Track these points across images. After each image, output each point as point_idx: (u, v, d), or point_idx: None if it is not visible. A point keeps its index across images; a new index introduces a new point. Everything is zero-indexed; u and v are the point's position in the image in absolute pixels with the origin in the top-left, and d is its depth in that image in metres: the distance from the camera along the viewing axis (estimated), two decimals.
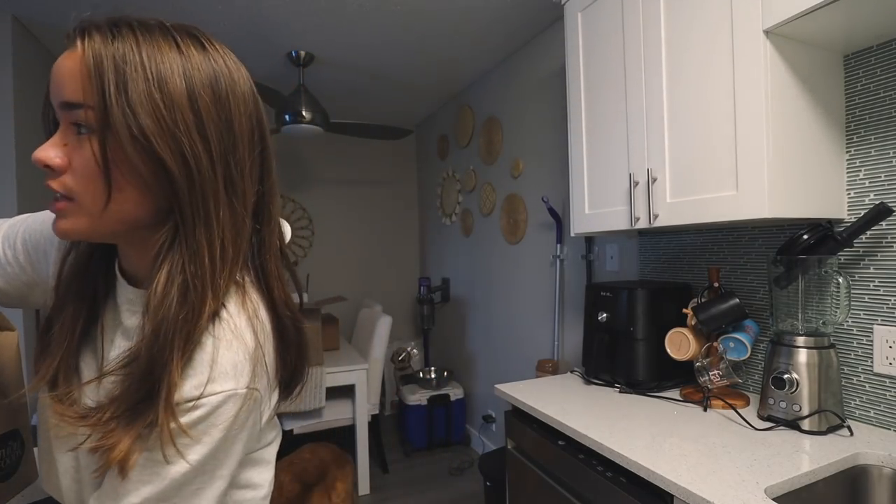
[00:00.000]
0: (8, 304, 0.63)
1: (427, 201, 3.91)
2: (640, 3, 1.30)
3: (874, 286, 1.11)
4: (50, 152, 0.44)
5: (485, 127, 2.85)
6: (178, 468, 0.45)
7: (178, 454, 0.44)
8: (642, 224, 1.32)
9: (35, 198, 2.18)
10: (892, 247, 1.08)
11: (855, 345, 1.15)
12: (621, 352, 1.45)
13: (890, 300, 1.08)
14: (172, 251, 0.47)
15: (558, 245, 2.22)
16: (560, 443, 1.23)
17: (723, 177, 1.10)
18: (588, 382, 1.52)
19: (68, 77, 0.43)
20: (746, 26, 1.03)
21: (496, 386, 1.53)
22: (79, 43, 0.44)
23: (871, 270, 1.11)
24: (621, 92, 1.39)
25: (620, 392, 1.41)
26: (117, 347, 0.52)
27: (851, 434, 1.05)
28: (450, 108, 3.37)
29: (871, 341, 1.11)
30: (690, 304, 1.37)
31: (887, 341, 1.08)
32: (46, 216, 0.62)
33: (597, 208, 1.51)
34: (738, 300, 1.23)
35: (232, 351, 0.47)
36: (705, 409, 1.24)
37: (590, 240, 2.04)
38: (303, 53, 2.44)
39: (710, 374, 1.26)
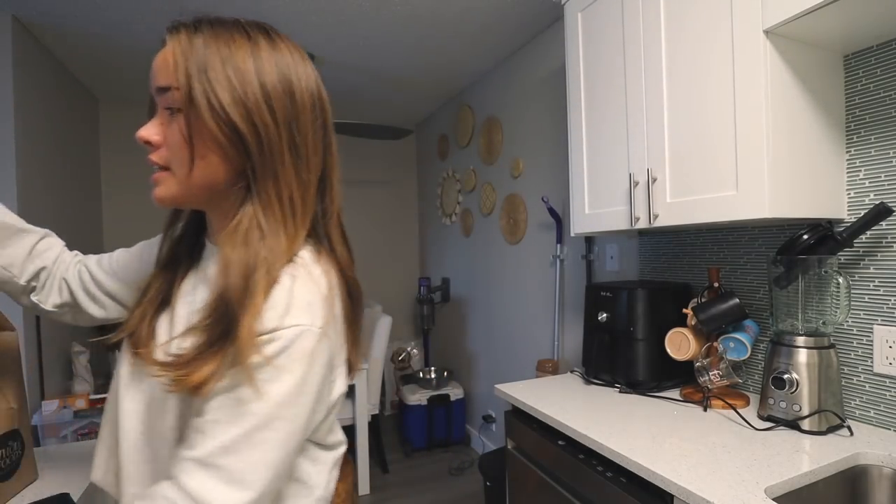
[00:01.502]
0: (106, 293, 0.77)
1: (427, 201, 3.91)
2: (640, 3, 1.30)
3: (874, 286, 1.11)
4: (149, 130, 0.54)
5: (485, 127, 2.85)
6: (261, 405, 0.48)
7: (259, 390, 0.48)
8: (642, 224, 1.32)
9: (35, 197, 2.18)
10: (892, 247, 1.08)
11: (855, 345, 1.15)
12: (621, 352, 1.45)
13: (890, 300, 1.08)
14: (245, 204, 0.55)
15: (558, 245, 2.22)
16: (560, 443, 1.23)
17: (723, 177, 1.10)
18: (588, 382, 1.52)
19: (161, 66, 0.53)
20: (746, 26, 1.03)
21: (496, 386, 1.53)
22: (168, 37, 0.53)
23: (871, 270, 1.11)
24: (621, 92, 1.39)
25: (620, 392, 1.41)
26: (199, 301, 0.58)
27: (851, 434, 1.05)
28: (450, 108, 3.37)
29: (871, 341, 1.11)
30: (690, 304, 1.37)
31: (887, 341, 1.08)
32: (123, 252, 0.78)
33: (597, 208, 1.51)
34: (738, 300, 1.23)
35: (307, 290, 0.53)
36: (705, 409, 1.24)
37: (590, 240, 2.04)
38: None
39: (710, 374, 1.26)
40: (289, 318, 0.50)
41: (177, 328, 0.58)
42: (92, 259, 0.78)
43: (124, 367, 0.60)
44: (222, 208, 0.58)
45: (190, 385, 0.48)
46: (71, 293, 0.76)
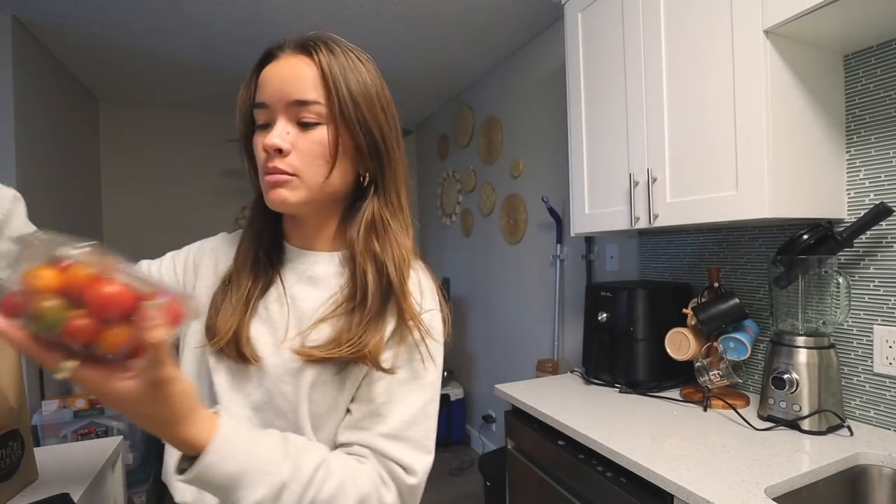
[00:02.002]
0: None
1: (427, 201, 3.91)
2: (640, 3, 1.30)
3: (874, 286, 1.11)
4: (279, 140, 0.56)
5: (485, 127, 2.85)
6: (427, 379, 0.60)
7: (424, 367, 0.59)
8: (642, 224, 1.32)
9: (35, 197, 2.18)
10: (892, 247, 1.08)
11: (855, 345, 1.15)
12: (621, 352, 1.45)
13: (890, 300, 1.08)
14: (369, 204, 0.62)
15: (558, 245, 2.22)
16: (560, 443, 1.23)
17: (723, 177, 1.10)
18: (588, 382, 1.52)
19: (299, 80, 0.56)
20: (746, 26, 1.03)
21: (496, 386, 1.53)
22: (304, 55, 0.58)
23: (871, 270, 1.11)
24: (621, 92, 1.39)
25: (620, 392, 1.41)
26: (309, 298, 0.62)
27: (851, 434, 1.05)
28: (450, 108, 3.37)
29: (871, 341, 1.11)
30: (690, 304, 1.37)
31: (887, 341, 1.08)
32: (206, 240, 0.74)
33: (597, 208, 1.51)
34: (738, 300, 1.23)
35: (428, 279, 0.65)
36: (705, 409, 1.24)
37: (590, 240, 2.04)
38: None
39: (710, 374, 1.26)
40: (426, 303, 0.61)
41: (294, 326, 0.60)
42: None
43: (220, 375, 0.60)
44: (327, 215, 0.64)
45: (367, 356, 0.55)
46: None
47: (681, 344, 1.34)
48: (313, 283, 0.63)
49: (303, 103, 0.56)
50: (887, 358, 1.08)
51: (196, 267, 0.68)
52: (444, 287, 3.48)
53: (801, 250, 1.10)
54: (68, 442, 1.91)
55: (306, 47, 0.58)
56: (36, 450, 1.02)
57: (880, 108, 1.09)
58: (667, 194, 1.25)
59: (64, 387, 2.38)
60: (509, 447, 1.46)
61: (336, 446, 0.59)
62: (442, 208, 3.55)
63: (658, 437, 1.08)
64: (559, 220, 2.20)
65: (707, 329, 1.28)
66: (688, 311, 1.34)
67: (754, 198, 1.03)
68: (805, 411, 1.07)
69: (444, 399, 3.06)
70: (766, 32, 1.00)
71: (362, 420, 0.57)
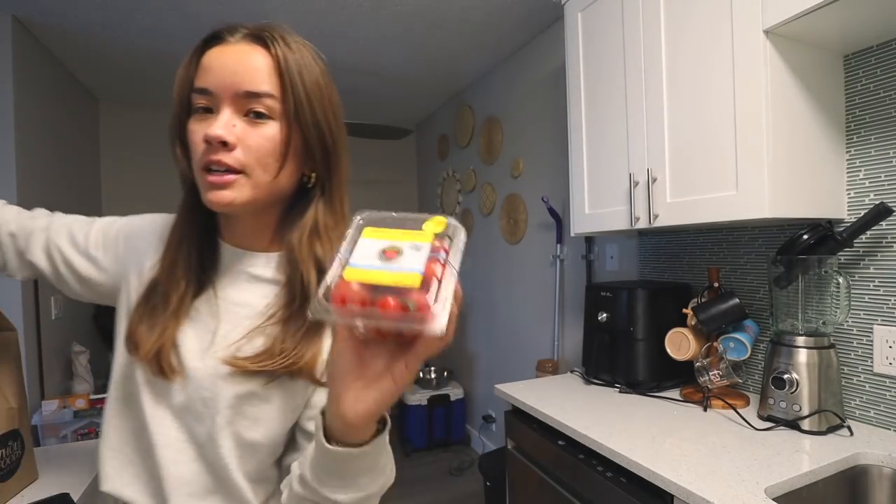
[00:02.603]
0: (81, 299, 0.68)
1: (427, 201, 3.91)
2: (640, 3, 1.30)
3: (874, 286, 1.11)
4: (224, 131, 0.51)
5: (485, 127, 2.85)
6: None
7: None
8: (642, 224, 1.32)
9: (35, 197, 2.18)
10: (892, 247, 1.08)
11: (855, 345, 1.15)
12: (621, 352, 1.45)
13: (890, 300, 1.08)
14: (313, 205, 0.59)
15: (558, 245, 2.22)
16: (560, 443, 1.23)
17: (723, 177, 1.10)
18: (588, 382, 1.52)
19: (252, 71, 0.52)
20: (746, 26, 1.03)
21: (496, 386, 1.53)
22: (258, 45, 0.54)
23: (871, 270, 1.11)
24: (621, 91, 1.39)
25: (620, 392, 1.41)
26: (243, 302, 0.59)
27: (851, 434, 1.05)
28: (450, 108, 3.37)
29: (871, 341, 1.11)
30: (690, 304, 1.37)
31: (887, 341, 1.08)
32: (111, 219, 0.67)
33: (597, 208, 1.51)
34: (738, 300, 1.23)
35: None
36: (705, 409, 1.24)
37: (590, 240, 2.04)
38: None
39: (710, 374, 1.26)
40: None
41: (226, 333, 0.57)
42: (61, 232, 0.66)
43: (142, 374, 0.57)
44: (267, 214, 0.59)
45: (298, 367, 0.53)
46: (36, 269, 0.67)
47: (681, 344, 1.34)
48: (249, 286, 0.60)
49: (255, 95, 0.52)
50: (887, 358, 1.08)
51: (122, 258, 0.63)
52: None
53: (801, 250, 1.10)
54: (68, 442, 1.91)
55: (262, 37, 0.55)
56: (36, 450, 1.02)
57: (880, 108, 1.09)
58: (667, 194, 1.25)
59: (64, 387, 2.38)
60: (509, 447, 1.46)
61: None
62: (442, 208, 3.54)
63: (658, 437, 1.08)
64: (559, 220, 2.20)
65: (707, 329, 1.28)
66: (688, 311, 1.34)
67: (754, 198, 1.03)
68: (805, 411, 1.07)
69: (444, 399, 3.06)
70: (766, 32, 1.00)
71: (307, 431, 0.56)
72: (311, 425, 0.56)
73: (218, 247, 0.61)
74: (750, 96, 1.03)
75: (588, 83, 1.53)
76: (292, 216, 0.59)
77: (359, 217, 0.37)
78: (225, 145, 0.51)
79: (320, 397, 0.57)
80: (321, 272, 0.56)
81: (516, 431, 1.43)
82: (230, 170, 0.52)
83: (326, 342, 0.56)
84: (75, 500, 0.90)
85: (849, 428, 1.06)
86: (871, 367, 1.11)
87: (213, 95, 0.52)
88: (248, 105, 0.52)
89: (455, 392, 3.11)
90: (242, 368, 0.54)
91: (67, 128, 2.62)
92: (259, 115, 0.53)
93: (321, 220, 0.58)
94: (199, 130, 0.52)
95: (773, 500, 0.81)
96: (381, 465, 0.47)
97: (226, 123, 0.51)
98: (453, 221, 0.36)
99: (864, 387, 1.13)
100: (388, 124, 2.88)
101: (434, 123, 3.68)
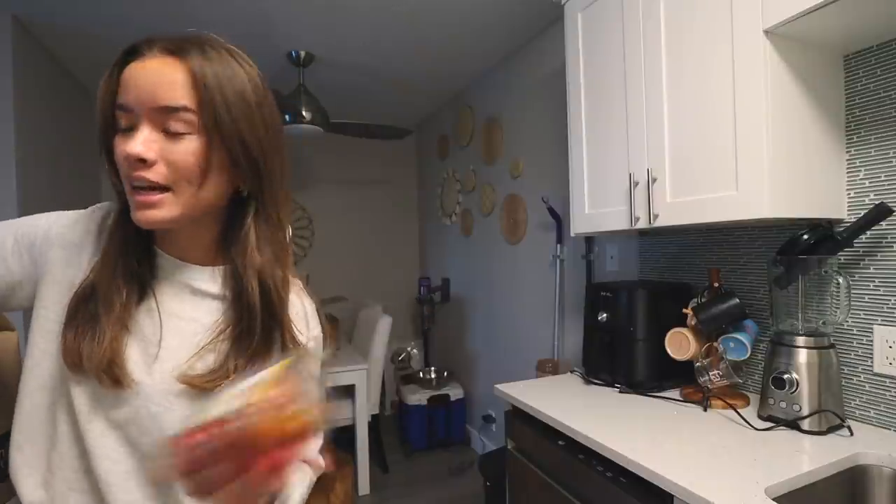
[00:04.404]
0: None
1: (427, 201, 3.91)
2: (640, 3, 1.30)
3: (874, 286, 1.11)
4: (143, 148, 0.50)
5: (485, 127, 2.85)
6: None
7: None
8: (642, 224, 1.32)
9: (35, 197, 2.18)
10: (892, 247, 1.08)
11: (855, 345, 1.15)
12: (621, 352, 1.45)
13: (890, 300, 1.08)
14: (248, 218, 0.58)
15: (558, 245, 2.22)
16: (560, 443, 1.23)
17: (723, 177, 1.10)
18: (588, 382, 1.52)
19: (167, 85, 0.51)
20: (746, 26, 1.03)
21: (496, 386, 1.53)
22: (172, 58, 0.52)
23: (871, 270, 1.11)
24: (621, 91, 1.39)
25: (620, 392, 1.41)
26: (189, 317, 0.58)
27: (851, 434, 1.05)
28: (450, 108, 3.36)
29: (871, 341, 1.11)
30: (690, 304, 1.37)
31: (887, 341, 1.08)
32: (33, 220, 0.61)
33: (597, 208, 1.51)
34: (737, 300, 1.23)
35: (310, 301, 0.63)
36: (705, 409, 1.24)
37: (590, 240, 2.04)
38: (303, 53, 2.44)
39: (710, 374, 1.25)
40: (313, 329, 0.60)
41: (172, 346, 0.56)
42: None
43: (83, 393, 0.54)
44: (201, 227, 0.59)
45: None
46: None
47: (681, 344, 1.34)
48: (193, 300, 0.59)
49: (172, 110, 0.51)
50: (887, 358, 1.08)
51: (42, 254, 0.59)
52: (445, 287, 3.48)
53: (801, 250, 1.10)
54: None
55: (178, 49, 0.52)
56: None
57: (880, 108, 1.09)
58: (667, 194, 1.25)
59: None
60: (509, 447, 1.46)
61: None
62: (442, 208, 3.55)
63: (658, 437, 1.08)
64: (559, 220, 2.20)
65: (707, 329, 1.28)
66: (688, 311, 1.34)
67: (754, 198, 1.03)
68: (805, 411, 1.07)
69: (444, 399, 3.06)
70: (766, 32, 1.00)
71: None
72: None
73: (155, 255, 0.60)
74: (750, 96, 1.03)
75: (588, 83, 1.53)
76: (234, 230, 0.59)
77: None
78: (144, 162, 0.50)
79: None
80: (263, 287, 0.57)
81: (516, 431, 1.43)
82: (156, 187, 0.51)
83: (275, 357, 0.57)
84: None
85: (849, 428, 1.06)
86: (871, 367, 1.11)
87: (132, 112, 0.51)
88: (167, 120, 0.51)
89: (455, 392, 3.11)
90: (196, 387, 0.54)
91: (67, 127, 2.61)
92: (177, 132, 0.51)
93: (258, 233, 0.58)
94: (122, 147, 0.51)
95: (773, 500, 0.81)
96: None
97: (144, 140, 0.50)
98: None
99: (864, 387, 1.13)
100: (388, 124, 2.88)
101: (434, 123, 3.67)
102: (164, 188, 0.52)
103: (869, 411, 1.12)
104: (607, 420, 1.20)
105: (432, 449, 3.07)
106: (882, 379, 1.10)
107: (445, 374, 3.22)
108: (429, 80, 2.94)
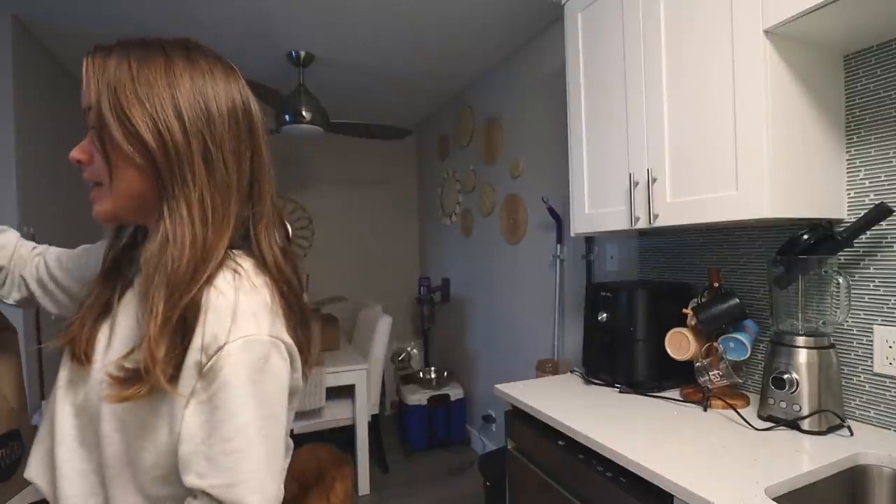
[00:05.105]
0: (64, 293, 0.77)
1: (427, 201, 3.91)
2: (640, 3, 1.30)
3: (874, 286, 1.11)
4: (76, 151, 0.57)
5: (485, 127, 2.85)
6: (241, 411, 0.51)
7: (230, 398, 0.51)
8: (642, 224, 1.32)
9: (36, 197, 2.18)
10: (892, 247, 1.08)
11: (855, 345, 1.15)
12: (621, 352, 1.45)
13: (890, 300, 1.08)
14: (162, 216, 0.55)
15: (558, 245, 2.22)
16: (560, 443, 1.23)
17: (723, 177, 1.10)
18: (588, 382, 1.52)
19: (86, 87, 0.55)
20: (746, 26, 1.03)
21: (496, 386, 1.53)
22: (88, 59, 0.56)
23: (871, 270, 1.11)
24: (621, 91, 1.39)
25: (620, 392, 1.41)
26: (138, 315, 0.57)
27: (851, 434, 1.05)
28: (450, 108, 3.37)
29: (871, 341, 1.11)
30: (690, 304, 1.37)
31: (887, 341, 1.08)
32: (83, 249, 0.78)
33: (597, 208, 1.51)
34: (737, 300, 1.23)
35: (250, 299, 0.54)
36: (705, 409, 1.24)
37: (590, 240, 2.04)
38: (303, 53, 2.44)
39: (710, 374, 1.26)
40: (239, 329, 0.52)
41: (116, 341, 0.57)
42: (52, 253, 0.79)
43: (63, 371, 0.61)
44: (150, 219, 0.60)
45: (151, 382, 0.50)
46: (28, 289, 0.78)
47: (681, 344, 1.34)
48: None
49: (84, 112, 0.56)
50: (887, 358, 1.08)
51: (84, 264, 0.74)
52: (445, 287, 3.49)
53: (801, 250, 1.10)
54: None
55: (89, 52, 0.56)
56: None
57: (880, 108, 1.09)
58: (667, 194, 1.25)
59: None
60: (509, 447, 1.46)
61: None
62: (442, 208, 3.55)
63: (658, 437, 1.08)
64: (559, 220, 2.20)
65: (707, 329, 1.28)
66: (688, 310, 1.34)
67: (754, 198, 1.03)
68: (805, 411, 1.07)
69: (444, 399, 3.06)
70: (766, 32, 1.00)
71: (183, 459, 0.52)
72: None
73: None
74: (750, 96, 1.03)
75: (588, 83, 1.53)
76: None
77: None
78: (80, 163, 0.57)
79: (185, 431, 0.52)
80: (149, 285, 0.53)
81: (516, 431, 1.43)
82: (96, 184, 0.57)
83: (181, 353, 0.52)
84: None
85: (849, 428, 1.06)
86: (871, 367, 1.11)
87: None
88: (88, 122, 0.56)
89: (455, 392, 3.11)
90: (108, 385, 0.52)
91: (67, 128, 2.61)
92: (95, 130, 0.55)
93: (160, 235, 0.54)
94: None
95: (773, 500, 0.81)
96: None
97: (83, 143, 0.57)
98: None
99: (864, 387, 1.13)
100: (388, 124, 2.88)
101: (434, 123, 3.67)
102: (99, 185, 0.57)
103: (869, 411, 1.12)
104: (607, 420, 1.20)
105: (432, 449, 3.07)
106: (882, 379, 1.10)
107: (445, 374, 3.22)
108: (429, 80, 2.94)
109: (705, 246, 1.50)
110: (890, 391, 1.08)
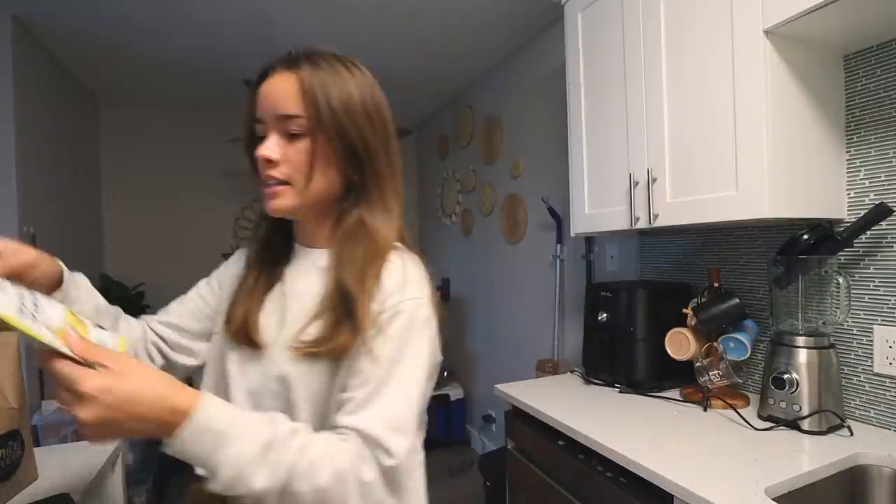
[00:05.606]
0: (192, 337, 0.78)
1: (427, 201, 3.91)
2: (640, 4, 1.30)
3: (874, 286, 1.11)
4: (271, 150, 0.62)
5: (485, 127, 2.85)
6: (411, 361, 0.61)
7: (404, 349, 0.60)
8: (642, 224, 1.32)
9: (36, 197, 2.18)
10: (892, 247, 1.08)
11: (855, 345, 1.15)
12: (621, 352, 1.45)
13: (890, 300, 1.08)
14: (353, 209, 0.67)
15: (558, 245, 2.22)
16: (560, 443, 1.23)
17: (723, 177, 1.10)
18: (588, 382, 1.52)
19: (282, 96, 0.62)
20: (746, 26, 1.03)
21: (496, 386, 1.53)
22: (285, 70, 0.63)
23: (871, 270, 1.11)
24: (621, 91, 1.39)
25: (620, 392, 1.41)
26: (306, 293, 0.66)
27: (851, 434, 1.05)
28: (450, 108, 3.37)
29: (871, 341, 1.11)
30: (690, 304, 1.37)
31: (887, 341, 1.08)
32: (194, 295, 0.81)
33: (597, 208, 1.51)
34: (737, 300, 1.23)
35: (417, 269, 0.67)
36: (705, 409, 1.24)
37: (590, 240, 2.04)
38: None
39: (710, 374, 1.26)
40: (409, 292, 0.63)
41: (289, 317, 0.65)
42: (154, 320, 0.78)
43: (230, 363, 0.67)
44: (324, 215, 0.69)
45: (342, 348, 0.59)
46: (163, 356, 0.77)
47: (681, 344, 1.34)
48: (313, 278, 0.68)
49: (288, 117, 0.62)
50: (887, 358, 1.08)
51: (221, 284, 0.78)
52: (445, 287, 3.48)
53: (801, 250, 1.10)
54: (68, 442, 1.91)
55: (290, 63, 0.63)
56: (36, 450, 1.02)
57: (880, 108, 1.09)
58: (667, 194, 1.25)
59: None
60: (509, 447, 1.46)
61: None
62: (442, 208, 3.55)
63: (658, 437, 1.08)
64: (559, 220, 2.20)
65: (707, 329, 1.28)
66: (688, 310, 1.34)
67: (754, 198, 1.03)
68: (805, 411, 1.07)
69: (444, 399, 3.06)
70: (766, 32, 1.00)
71: (345, 405, 0.59)
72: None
73: (292, 247, 0.73)
74: (750, 96, 1.03)
75: (588, 83, 1.53)
76: (339, 217, 0.68)
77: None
78: (270, 163, 0.62)
79: (349, 382, 0.61)
80: (343, 268, 0.63)
81: (516, 431, 1.43)
82: (279, 182, 0.63)
83: (364, 322, 0.60)
84: (75, 500, 0.90)
85: (849, 428, 1.06)
86: (871, 367, 1.11)
87: (263, 123, 0.64)
88: (286, 126, 0.62)
89: (455, 392, 3.11)
90: (303, 351, 0.61)
91: (67, 128, 2.62)
92: (294, 134, 0.62)
93: (356, 218, 0.66)
94: (257, 152, 0.63)
95: (773, 500, 0.81)
96: (237, 427, 0.50)
97: (271, 144, 0.63)
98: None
99: (864, 387, 1.13)
100: None
101: (434, 123, 3.67)
102: (285, 183, 0.63)
103: (869, 411, 1.12)
104: (607, 420, 1.20)
105: (432, 449, 3.06)
106: (882, 379, 1.10)
107: (445, 374, 3.22)
108: (429, 80, 2.94)
109: (705, 246, 1.50)
110: (890, 391, 1.08)
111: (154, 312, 0.79)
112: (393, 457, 0.55)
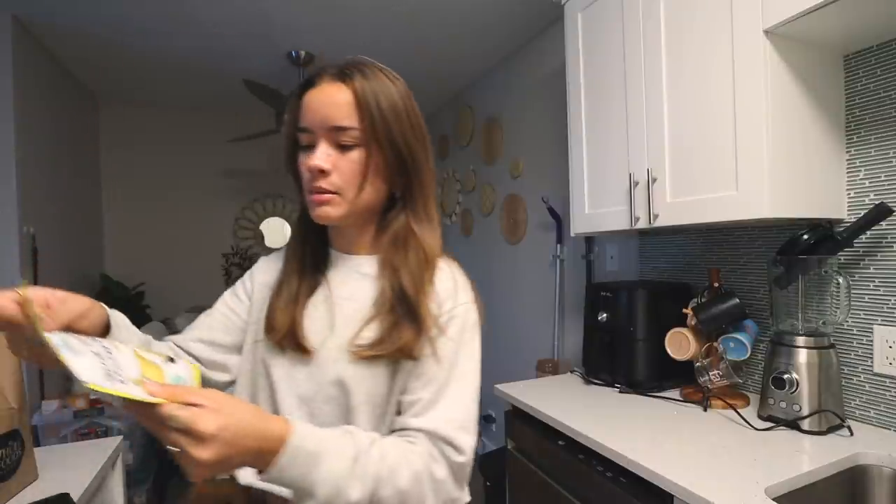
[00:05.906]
0: (226, 351, 0.76)
1: None
2: (640, 4, 1.30)
3: (874, 286, 1.11)
4: (323, 161, 0.63)
5: (485, 127, 2.85)
6: (468, 363, 0.65)
7: (461, 352, 0.64)
8: (642, 224, 1.32)
9: (36, 197, 2.18)
10: (892, 247, 1.08)
11: (855, 345, 1.15)
12: (621, 352, 1.45)
13: (890, 300, 1.08)
14: (399, 216, 0.69)
15: (558, 245, 2.22)
16: (560, 443, 1.23)
17: (723, 177, 1.10)
18: (588, 382, 1.52)
19: (336, 107, 0.62)
20: (746, 26, 1.03)
21: (496, 386, 1.53)
22: (340, 83, 0.63)
23: (871, 270, 1.11)
24: (621, 91, 1.39)
25: (620, 392, 1.41)
26: (352, 298, 0.68)
27: (851, 434, 1.05)
28: (450, 108, 3.36)
29: (871, 341, 1.11)
30: (690, 304, 1.37)
31: (887, 341, 1.08)
32: (222, 308, 0.79)
33: (597, 208, 1.51)
34: (737, 300, 1.23)
35: (462, 275, 0.71)
36: (705, 409, 1.24)
37: (590, 240, 2.04)
38: (303, 53, 2.44)
39: (711, 374, 1.26)
40: (461, 297, 0.67)
41: (338, 321, 0.67)
42: (186, 340, 0.75)
43: (278, 369, 0.66)
44: (367, 223, 0.70)
45: (404, 351, 0.61)
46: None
47: (681, 344, 1.34)
48: (358, 284, 0.69)
49: (342, 129, 0.62)
50: (887, 358, 1.08)
51: (250, 295, 0.77)
52: None
53: (801, 250, 1.10)
54: (68, 442, 1.91)
55: (342, 74, 0.64)
56: (36, 450, 1.02)
57: (880, 108, 1.09)
58: (667, 194, 1.25)
59: (64, 387, 2.38)
60: (509, 447, 1.46)
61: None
62: (442, 208, 3.54)
63: (658, 437, 1.08)
64: (559, 220, 2.20)
65: (707, 329, 1.28)
66: (688, 311, 1.34)
67: (754, 198, 1.03)
68: (805, 411, 1.07)
69: None
70: (766, 32, 1.00)
71: (410, 408, 0.62)
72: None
73: (329, 253, 0.74)
74: (750, 96, 1.03)
75: (588, 83, 1.53)
76: (385, 223, 0.70)
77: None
78: (323, 173, 0.63)
79: (412, 384, 0.64)
80: (397, 275, 0.65)
81: (516, 431, 1.43)
82: (329, 192, 0.64)
83: (423, 326, 0.63)
84: (75, 500, 0.90)
85: (849, 428, 1.06)
86: (871, 367, 1.11)
87: (311, 132, 0.64)
88: (338, 137, 0.63)
89: None
90: (362, 354, 0.62)
91: (67, 128, 2.62)
92: (346, 145, 0.63)
93: (404, 226, 0.68)
94: (305, 162, 0.64)
95: (773, 500, 0.81)
96: (326, 446, 0.52)
97: (323, 154, 0.63)
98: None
99: (864, 387, 1.13)
100: None
101: (434, 123, 3.67)
102: (334, 192, 0.64)
103: (869, 411, 1.12)
104: (607, 420, 1.20)
105: None
106: (882, 379, 1.10)
107: None
108: (429, 80, 2.94)
109: (705, 246, 1.50)
110: (890, 391, 1.08)
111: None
112: (462, 454, 0.60)
